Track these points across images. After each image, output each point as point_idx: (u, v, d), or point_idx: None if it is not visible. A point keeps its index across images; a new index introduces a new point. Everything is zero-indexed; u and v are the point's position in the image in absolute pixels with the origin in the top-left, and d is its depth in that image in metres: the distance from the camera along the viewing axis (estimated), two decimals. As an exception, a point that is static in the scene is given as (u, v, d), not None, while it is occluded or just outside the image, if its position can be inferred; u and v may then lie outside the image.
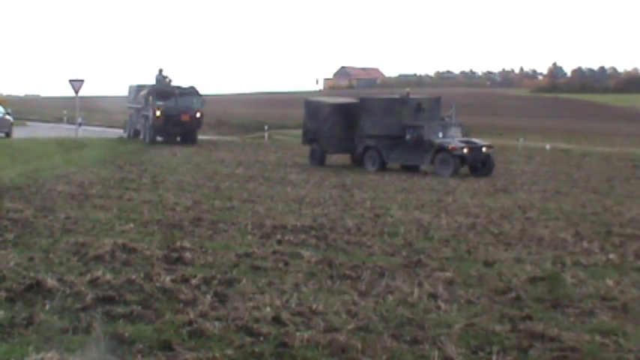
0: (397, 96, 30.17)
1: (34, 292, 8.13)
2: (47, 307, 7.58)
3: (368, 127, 29.07)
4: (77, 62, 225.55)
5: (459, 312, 8.12)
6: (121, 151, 33.58)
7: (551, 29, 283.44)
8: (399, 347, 6.87)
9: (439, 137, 27.83)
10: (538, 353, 6.89)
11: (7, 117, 40.80)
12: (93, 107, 62.01)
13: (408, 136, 28.06)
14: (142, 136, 40.29)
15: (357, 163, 30.44)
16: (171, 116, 38.44)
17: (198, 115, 39.40)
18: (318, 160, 31.00)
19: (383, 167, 28.85)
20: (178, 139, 39.45)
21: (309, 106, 32.09)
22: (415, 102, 28.94)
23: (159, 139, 39.61)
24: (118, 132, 44.75)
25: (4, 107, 41.81)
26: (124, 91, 45.14)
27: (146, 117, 39.50)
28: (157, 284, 8.68)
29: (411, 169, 28.76)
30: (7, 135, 39.45)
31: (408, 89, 33.15)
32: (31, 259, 9.80)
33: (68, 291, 8.15)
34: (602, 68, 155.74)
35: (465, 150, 27.31)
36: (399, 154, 28.53)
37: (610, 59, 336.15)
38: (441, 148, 27.42)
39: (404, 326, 7.53)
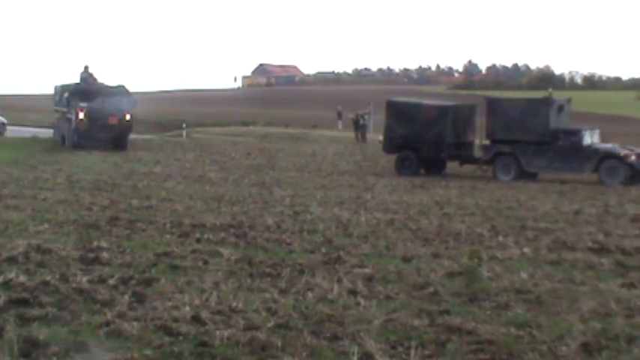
0: (540, 97, 27.15)
1: (-57, 295, 7.89)
2: (-42, 310, 7.37)
3: (500, 132, 26.00)
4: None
5: (378, 308, 8.19)
6: (34, 150, 32.74)
7: (466, 27, 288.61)
8: (319, 344, 6.90)
9: (592, 143, 25.18)
10: (455, 347, 6.99)
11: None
12: (6, 105, 60.55)
13: (560, 142, 25.05)
14: (65, 142, 35.00)
15: (431, 170, 27.39)
16: (96, 119, 33.43)
17: (127, 117, 34.34)
18: (412, 169, 27.24)
19: (519, 176, 25.33)
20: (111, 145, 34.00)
21: (396, 107, 28.43)
22: (557, 103, 26.14)
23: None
24: (32, 131, 43.49)
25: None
26: (37, 90, 43.84)
27: (69, 120, 34.34)
28: (73, 285, 8.52)
29: (530, 176, 25.64)
30: None
31: (550, 89, 29.22)
32: (-60, 261, 9.51)
33: (-20, 294, 7.93)
34: (515, 65, 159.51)
35: (633, 157, 24.59)
36: (547, 161, 25.33)
37: (523, 56, 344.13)
38: (609, 155, 24.77)
39: (324, 323, 7.56)
